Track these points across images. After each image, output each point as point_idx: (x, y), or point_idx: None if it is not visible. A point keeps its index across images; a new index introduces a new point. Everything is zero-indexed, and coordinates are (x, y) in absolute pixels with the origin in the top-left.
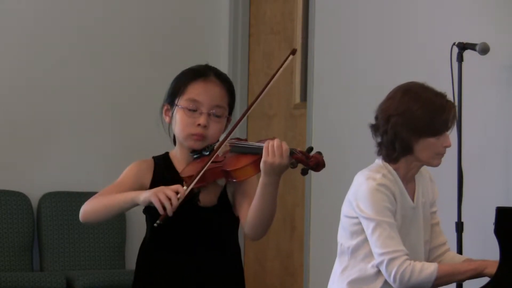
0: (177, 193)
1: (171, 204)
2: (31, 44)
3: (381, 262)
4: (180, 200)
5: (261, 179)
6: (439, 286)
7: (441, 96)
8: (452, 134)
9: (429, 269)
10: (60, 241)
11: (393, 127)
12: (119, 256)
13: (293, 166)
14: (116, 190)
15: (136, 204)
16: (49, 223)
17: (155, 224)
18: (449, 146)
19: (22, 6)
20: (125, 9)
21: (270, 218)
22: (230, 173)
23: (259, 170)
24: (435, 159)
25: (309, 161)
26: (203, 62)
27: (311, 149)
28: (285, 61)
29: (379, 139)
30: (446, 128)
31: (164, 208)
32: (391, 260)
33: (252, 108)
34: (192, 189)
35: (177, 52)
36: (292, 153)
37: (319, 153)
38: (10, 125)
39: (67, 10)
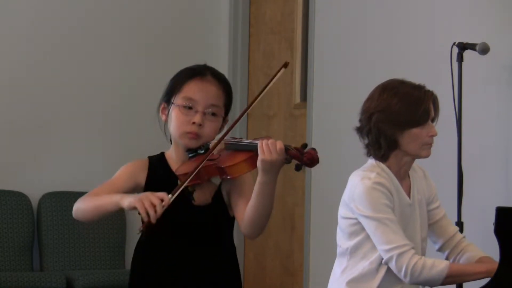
0: (162, 200)
1: (155, 211)
2: (31, 44)
3: (390, 258)
4: (165, 208)
5: (258, 178)
6: (449, 284)
7: (419, 88)
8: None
9: (440, 266)
10: (60, 241)
11: (375, 125)
12: (119, 256)
13: (287, 161)
14: (108, 189)
15: (121, 208)
16: (49, 223)
17: (137, 232)
18: (434, 135)
19: (20, 6)
20: (122, 9)
21: (267, 216)
22: (225, 169)
23: (253, 167)
24: (423, 150)
25: (303, 157)
26: (203, 62)
27: (305, 145)
28: (276, 73)
29: (366, 141)
30: (428, 117)
31: (148, 215)
32: (400, 255)
33: (245, 113)
34: (186, 187)
35: (177, 52)
36: (286, 149)
37: (313, 149)
38: (10, 125)
39: (65, 10)
